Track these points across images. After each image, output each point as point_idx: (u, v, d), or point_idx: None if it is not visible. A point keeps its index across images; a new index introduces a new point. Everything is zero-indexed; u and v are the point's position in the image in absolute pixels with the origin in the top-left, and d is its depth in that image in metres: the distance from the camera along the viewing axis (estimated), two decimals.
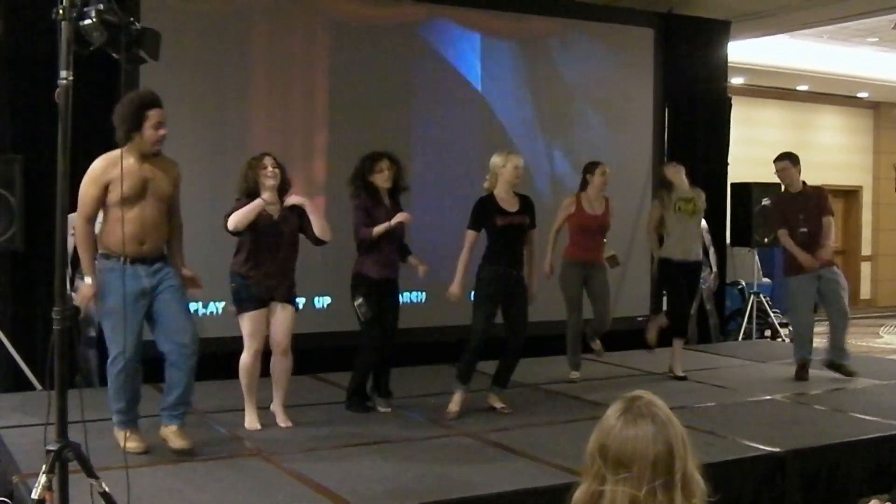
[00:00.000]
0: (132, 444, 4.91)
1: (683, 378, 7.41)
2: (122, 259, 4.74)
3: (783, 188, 7.73)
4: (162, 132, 4.78)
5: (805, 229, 7.39)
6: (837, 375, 7.43)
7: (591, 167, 7.16)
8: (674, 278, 7.39)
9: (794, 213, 7.46)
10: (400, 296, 6.34)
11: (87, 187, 4.70)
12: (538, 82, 8.94)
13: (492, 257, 6.17)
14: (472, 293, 6.24)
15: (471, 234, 6.16)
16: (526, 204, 6.25)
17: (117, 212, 4.66)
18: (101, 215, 4.85)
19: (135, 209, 4.75)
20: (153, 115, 4.73)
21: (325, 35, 7.99)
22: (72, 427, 3.33)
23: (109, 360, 4.83)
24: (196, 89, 7.40)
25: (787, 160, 7.49)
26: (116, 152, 4.58)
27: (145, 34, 3.59)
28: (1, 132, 6.79)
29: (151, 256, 4.87)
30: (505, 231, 6.11)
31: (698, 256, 7.49)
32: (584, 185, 7.17)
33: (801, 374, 7.52)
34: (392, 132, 7.96)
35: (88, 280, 4.71)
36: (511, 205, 6.17)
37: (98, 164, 4.73)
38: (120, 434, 4.91)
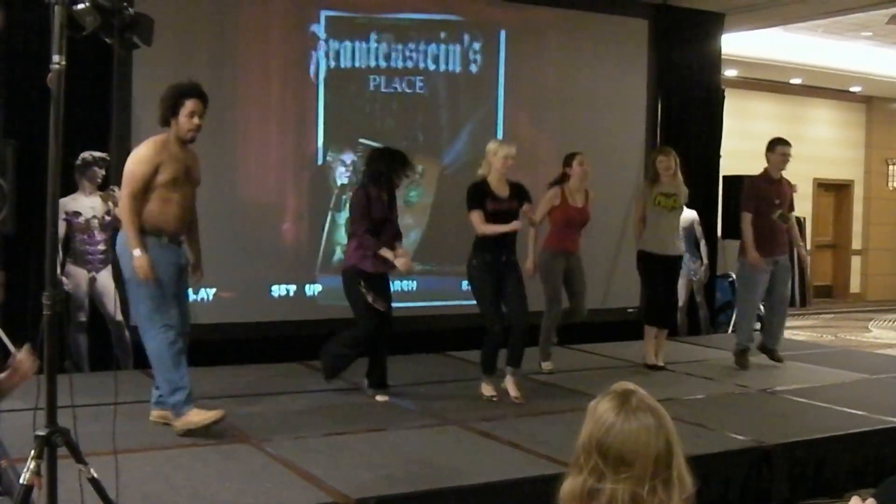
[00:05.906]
0: (210, 415, 5.02)
1: (663, 368, 7.38)
2: (165, 237, 4.99)
3: (766, 172, 7.55)
4: (195, 121, 4.98)
5: (780, 213, 7.42)
6: (769, 361, 7.62)
7: (569, 158, 7.14)
8: (650, 271, 7.40)
9: (771, 198, 7.43)
10: (391, 286, 6.38)
11: (139, 166, 4.92)
12: (531, 72, 8.92)
13: (482, 244, 6.21)
14: (469, 285, 6.32)
15: (477, 213, 6.14)
16: (518, 190, 6.30)
17: (164, 192, 4.95)
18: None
19: (178, 192, 5.02)
20: (189, 104, 4.96)
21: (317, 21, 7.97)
22: (61, 412, 3.32)
23: (159, 337, 4.90)
24: (190, 75, 7.34)
25: (790, 147, 7.47)
26: (162, 136, 5.01)
27: (139, 19, 3.57)
28: None
29: (180, 237, 5.16)
30: (496, 216, 6.15)
31: (677, 251, 7.41)
32: (563, 177, 7.12)
33: (743, 361, 7.58)
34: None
35: (138, 252, 4.83)
36: (502, 191, 6.22)
37: (149, 147, 5.00)
38: (183, 415, 4.94)
